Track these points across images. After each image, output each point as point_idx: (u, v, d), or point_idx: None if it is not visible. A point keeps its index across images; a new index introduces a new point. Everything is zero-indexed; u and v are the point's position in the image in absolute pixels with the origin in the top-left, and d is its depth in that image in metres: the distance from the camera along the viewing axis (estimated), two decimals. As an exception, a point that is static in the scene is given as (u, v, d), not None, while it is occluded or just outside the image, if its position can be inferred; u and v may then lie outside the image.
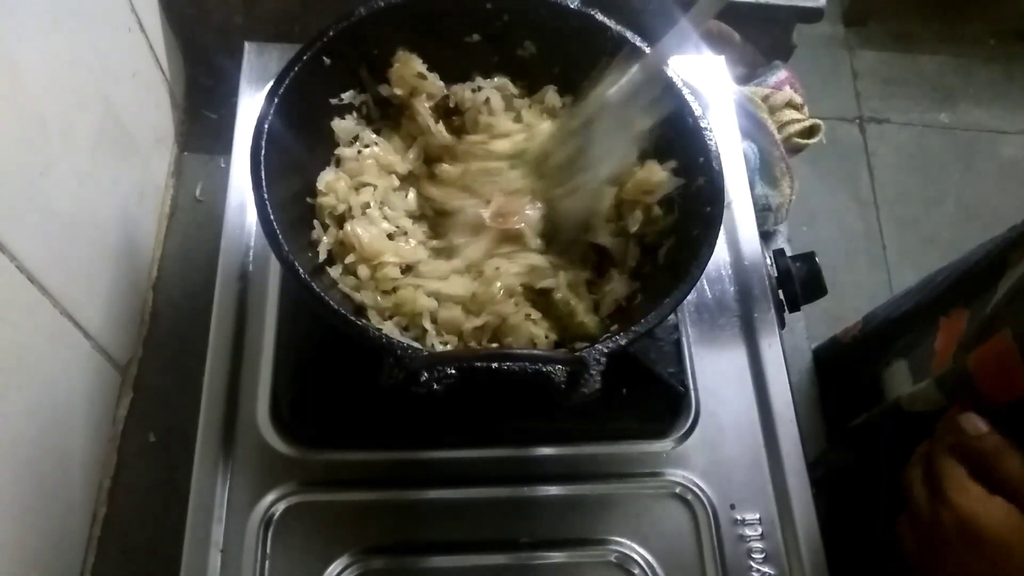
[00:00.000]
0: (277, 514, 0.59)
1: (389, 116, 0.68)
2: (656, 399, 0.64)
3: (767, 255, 0.72)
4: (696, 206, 0.59)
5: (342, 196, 0.61)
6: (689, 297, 0.55)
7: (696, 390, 0.66)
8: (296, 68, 0.59)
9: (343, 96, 0.64)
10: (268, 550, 0.58)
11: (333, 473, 0.61)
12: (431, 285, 0.58)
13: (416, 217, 0.65)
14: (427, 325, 0.57)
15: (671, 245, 0.61)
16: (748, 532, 0.61)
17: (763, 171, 0.85)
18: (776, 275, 0.72)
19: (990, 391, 0.55)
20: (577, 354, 0.50)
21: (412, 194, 0.66)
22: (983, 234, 0.73)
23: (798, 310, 0.73)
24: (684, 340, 0.67)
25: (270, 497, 0.59)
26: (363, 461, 0.61)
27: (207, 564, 0.56)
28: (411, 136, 0.67)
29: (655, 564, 0.59)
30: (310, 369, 0.62)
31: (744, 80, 0.89)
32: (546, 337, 0.57)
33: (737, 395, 0.66)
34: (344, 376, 0.60)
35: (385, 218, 0.63)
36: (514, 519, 0.61)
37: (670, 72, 0.62)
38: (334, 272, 0.59)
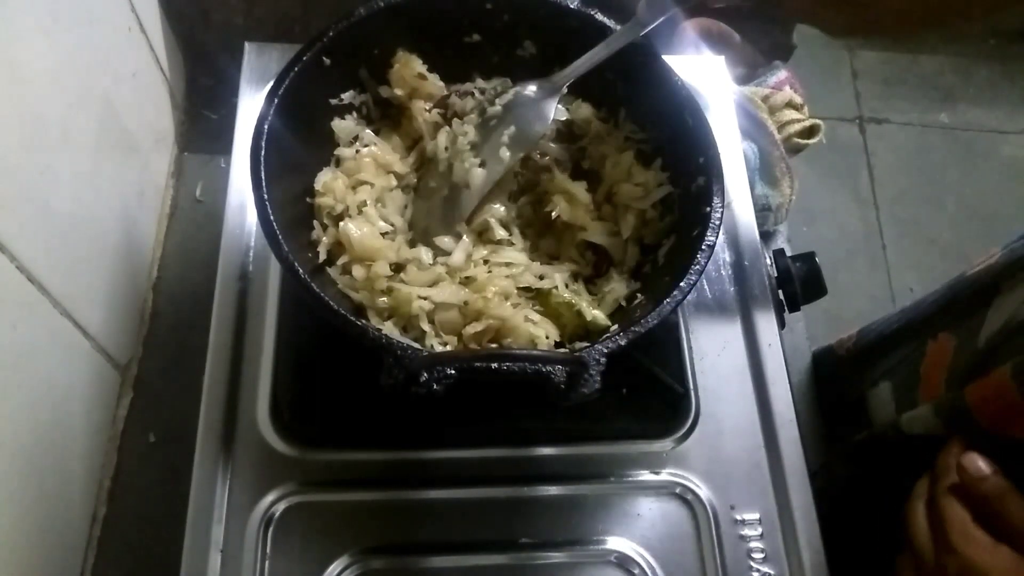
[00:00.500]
0: (277, 514, 0.59)
1: (389, 116, 0.68)
2: (656, 399, 0.64)
3: (767, 255, 0.72)
4: (696, 206, 0.59)
5: (340, 196, 0.61)
6: (689, 297, 0.55)
7: (696, 390, 0.66)
8: (296, 68, 0.59)
9: (343, 96, 0.64)
10: (268, 550, 0.58)
11: (333, 473, 0.61)
12: (422, 291, 0.58)
13: (409, 221, 0.65)
14: (425, 326, 0.57)
15: (671, 245, 0.61)
16: (748, 532, 0.61)
17: (763, 171, 0.85)
18: (776, 275, 0.72)
19: (990, 426, 0.55)
20: (577, 354, 0.50)
21: (410, 195, 0.66)
22: (983, 234, 0.73)
23: (798, 310, 0.73)
24: (684, 340, 0.67)
25: (270, 497, 0.59)
26: (363, 461, 0.61)
27: (207, 564, 0.56)
28: (411, 136, 0.68)
29: (655, 564, 0.59)
30: (310, 369, 0.62)
31: (744, 80, 0.89)
32: (546, 337, 0.57)
33: (737, 395, 0.66)
34: (344, 376, 0.60)
35: (381, 217, 0.63)
36: (514, 519, 0.60)
37: (671, 72, 0.62)
38: (333, 272, 0.59)
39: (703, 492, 0.62)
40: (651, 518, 0.61)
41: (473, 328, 0.57)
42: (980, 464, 0.50)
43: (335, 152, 0.64)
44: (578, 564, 0.60)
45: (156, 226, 0.86)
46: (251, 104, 0.73)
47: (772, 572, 0.60)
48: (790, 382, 0.67)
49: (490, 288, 0.58)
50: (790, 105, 0.87)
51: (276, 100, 0.57)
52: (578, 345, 0.58)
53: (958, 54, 2.06)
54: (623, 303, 0.61)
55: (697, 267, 0.55)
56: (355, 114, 0.65)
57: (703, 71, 0.80)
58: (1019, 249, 0.65)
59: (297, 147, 0.60)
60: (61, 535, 0.66)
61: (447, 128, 0.65)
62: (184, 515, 0.58)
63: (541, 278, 0.61)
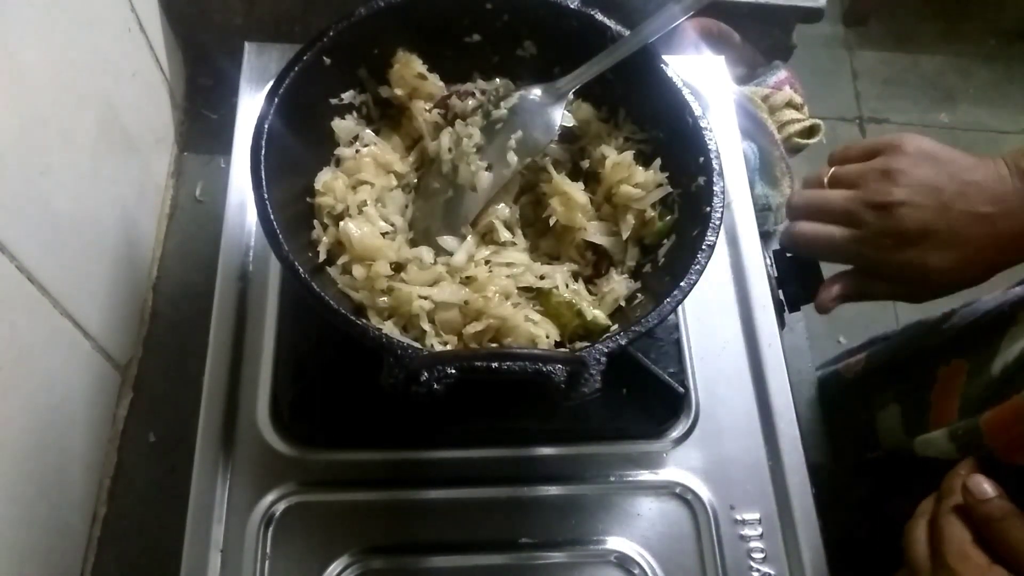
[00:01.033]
0: (277, 514, 0.59)
1: (389, 116, 0.68)
2: (656, 399, 0.64)
3: (767, 255, 0.72)
4: (696, 206, 0.59)
5: (340, 195, 0.61)
6: (689, 297, 0.55)
7: (696, 390, 0.66)
8: (296, 68, 0.59)
9: (343, 96, 0.64)
10: (268, 550, 0.58)
11: (333, 473, 0.61)
12: (422, 290, 0.58)
13: (409, 221, 0.65)
14: (425, 326, 0.57)
15: (671, 245, 0.61)
16: (748, 532, 0.61)
17: (763, 171, 0.85)
18: (776, 275, 0.72)
19: (1003, 453, 0.55)
20: (577, 354, 0.50)
21: (411, 195, 0.66)
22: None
23: (798, 310, 0.73)
24: (684, 340, 0.67)
25: (270, 497, 0.59)
26: (363, 461, 0.61)
27: (207, 564, 0.56)
28: (411, 136, 0.68)
29: (655, 564, 0.59)
30: (310, 369, 0.62)
31: (744, 80, 0.89)
32: (546, 337, 0.57)
33: (737, 395, 0.66)
34: (344, 376, 0.60)
35: (381, 217, 0.63)
36: (514, 519, 0.61)
37: (671, 73, 0.62)
38: (333, 272, 0.59)
39: (703, 492, 0.62)
40: (651, 518, 0.61)
41: (473, 328, 0.57)
42: (985, 486, 0.50)
43: (335, 152, 0.64)
44: (578, 564, 0.60)
45: (156, 226, 0.86)
46: (251, 104, 0.73)
47: (772, 572, 0.60)
48: (790, 382, 0.67)
49: (490, 288, 0.58)
50: (790, 105, 0.87)
51: (276, 100, 0.57)
52: (578, 345, 0.58)
53: (958, 54, 2.06)
54: (623, 303, 0.61)
55: (697, 267, 0.55)
56: (355, 114, 0.65)
57: (703, 71, 0.80)
58: None
59: (297, 147, 0.60)
60: (61, 535, 0.66)
61: (450, 129, 0.65)
62: (184, 515, 0.58)
63: (542, 278, 0.61)
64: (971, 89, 2.01)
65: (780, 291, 0.71)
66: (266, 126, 0.56)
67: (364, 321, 0.55)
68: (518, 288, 0.60)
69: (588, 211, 0.64)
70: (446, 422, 0.62)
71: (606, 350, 0.50)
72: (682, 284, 0.54)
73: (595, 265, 0.64)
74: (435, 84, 0.66)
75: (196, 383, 0.62)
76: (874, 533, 0.70)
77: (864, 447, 0.79)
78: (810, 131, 0.87)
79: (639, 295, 0.60)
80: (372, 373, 0.49)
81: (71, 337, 0.67)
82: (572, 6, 0.63)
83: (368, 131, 0.66)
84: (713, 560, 0.60)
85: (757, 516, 0.61)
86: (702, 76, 0.79)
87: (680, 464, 0.63)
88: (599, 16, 0.63)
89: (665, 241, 0.62)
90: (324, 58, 0.60)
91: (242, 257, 0.68)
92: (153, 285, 0.84)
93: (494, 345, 0.57)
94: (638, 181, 0.63)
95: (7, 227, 0.56)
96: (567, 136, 0.67)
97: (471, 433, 0.63)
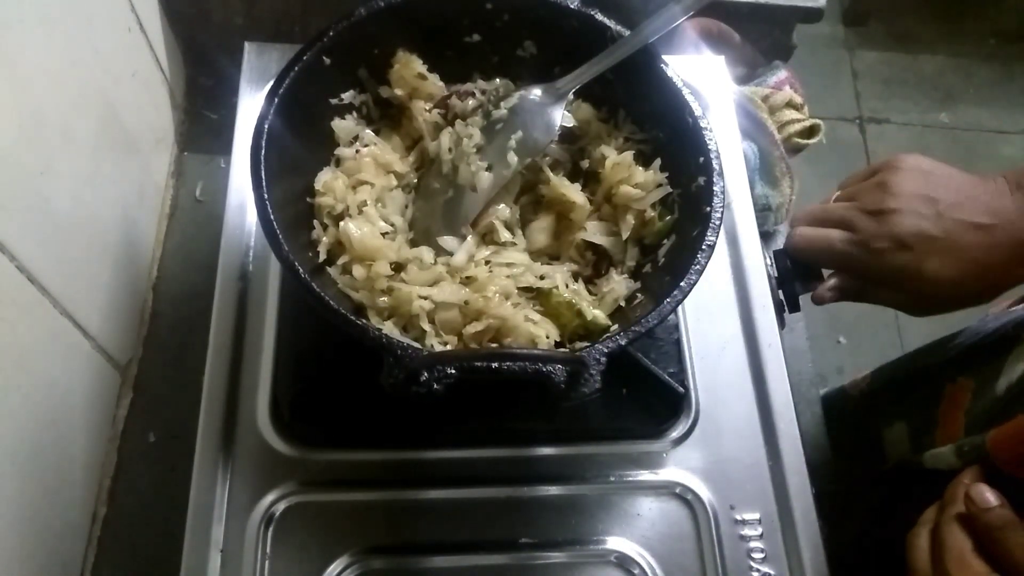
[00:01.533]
0: (277, 514, 0.59)
1: (389, 116, 0.68)
2: (656, 399, 0.64)
3: (767, 255, 0.72)
4: (696, 206, 0.59)
5: (340, 195, 0.61)
6: (689, 297, 0.55)
7: (696, 390, 0.66)
8: (296, 68, 0.59)
9: (343, 96, 0.64)
10: (268, 550, 0.58)
11: (333, 473, 0.61)
12: (422, 290, 0.58)
13: (410, 221, 0.65)
14: (425, 326, 0.57)
15: (671, 245, 0.61)
16: (748, 532, 0.61)
17: (763, 171, 0.85)
18: (776, 275, 0.72)
19: (1008, 468, 0.55)
20: (577, 354, 0.50)
21: (411, 195, 0.66)
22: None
23: (798, 310, 0.73)
24: (684, 340, 0.67)
25: (270, 497, 0.59)
26: (363, 461, 0.61)
27: (207, 564, 0.56)
28: (411, 136, 0.68)
29: (655, 564, 0.59)
30: (310, 369, 0.62)
31: (744, 80, 0.89)
32: (546, 337, 0.57)
33: (737, 395, 0.66)
34: (344, 376, 0.60)
35: (381, 217, 0.63)
36: (514, 519, 0.61)
37: (671, 73, 0.62)
38: (333, 272, 0.59)
39: (703, 492, 0.62)
40: (651, 518, 0.61)
41: (473, 328, 0.57)
42: (987, 495, 0.50)
43: (335, 152, 0.64)
44: (578, 564, 0.60)
45: (156, 226, 0.86)
46: (251, 104, 0.73)
47: (772, 572, 0.60)
48: (789, 382, 0.67)
49: (490, 288, 0.58)
50: (790, 105, 0.87)
51: (276, 100, 0.57)
52: (578, 345, 0.58)
53: (958, 54, 2.06)
54: (623, 303, 0.61)
55: (697, 267, 0.55)
56: (355, 114, 0.66)
57: (703, 71, 0.80)
58: None
59: (297, 147, 0.60)
60: (61, 535, 0.66)
61: (450, 129, 0.65)
62: (184, 515, 0.58)
63: (542, 278, 0.61)
64: (971, 89, 2.01)
65: (780, 291, 0.71)
66: (266, 126, 0.56)
67: (364, 321, 0.55)
68: (518, 288, 0.60)
69: (586, 212, 0.64)
70: (446, 422, 0.62)
71: (606, 350, 0.50)
72: (682, 284, 0.54)
73: (595, 265, 0.64)
74: (435, 84, 0.66)
75: (196, 383, 0.62)
76: (880, 544, 0.70)
77: (870, 463, 0.79)
78: (810, 131, 0.87)
79: (639, 295, 0.60)
80: (372, 373, 0.49)
81: (71, 337, 0.67)
82: (572, 6, 0.63)
83: (368, 131, 0.66)
84: (713, 560, 0.60)
85: (757, 516, 0.61)
86: (702, 76, 0.79)
87: (680, 464, 0.63)
88: (599, 16, 0.63)
89: (665, 241, 0.62)
90: (324, 58, 0.60)
91: (242, 257, 0.68)
92: (153, 285, 0.84)
93: (494, 345, 0.57)
94: (638, 181, 0.63)
95: (7, 227, 0.56)
96: (567, 136, 0.67)
97: (471, 433, 0.63)
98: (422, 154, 0.67)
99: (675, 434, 0.64)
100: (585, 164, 0.66)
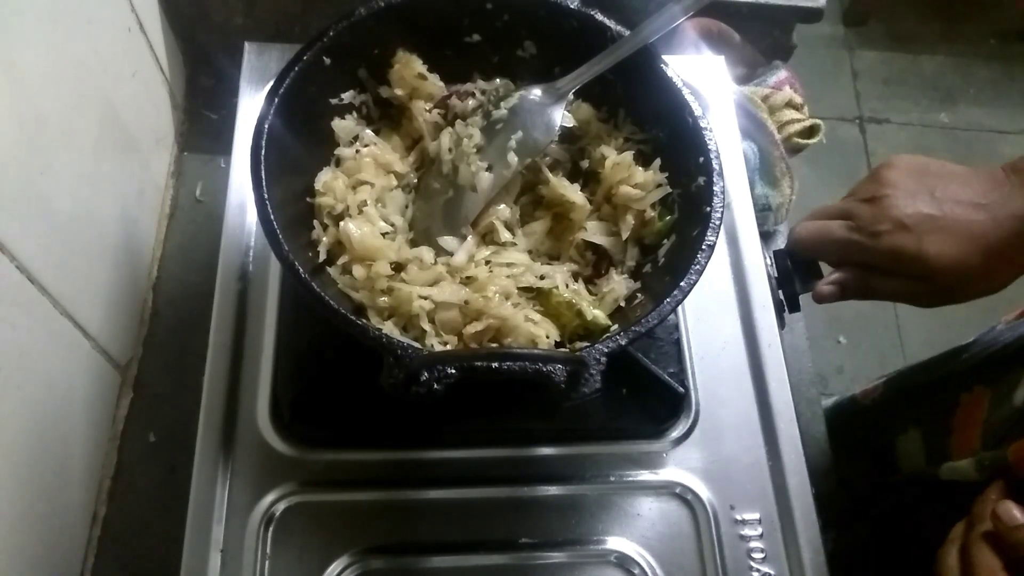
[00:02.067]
0: (277, 514, 0.59)
1: (389, 116, 0.68)
2: (656, 399, 0.64)
3: (767, 255, 0.72)
4: (696, 206, 0.59)
5: (340, 195, 0.61)
6: (689, 297, 0.55)
7: (696, 390, 0.66)
8: (296, 68, 0.59)
9: (343, 96, 0.64)
10: (268, 550, 0.58)
11: (333, 473, 0.61)
12: (422, 290, 0.58)
13: (410, 221, 0.65)
14: (425, 326, 0.57)
15: (671, 245, 0.61)
16: (748, 532, 0.61)
17: (763, 171, 0.85)
18: (776, 275, 0.72)
19: None
20: (577, 354, 0.50)
21: (411, 195, 0.66)
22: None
23: (798, 310, 0.73)
24: (684, 340, 0.67)
25: (270, 497, 0.59)
26: (363, 461, 0.61)
27: (207, 564, 0.56)
28: (411, 136, 0.68)
29: (655, 564, 0.59)
30: (310, 369, 0.62)
31: (744, 80, 0.89)
32: (546, 337, 0.57)
33: (737, 395, 0.66)
34: (344, 376, 0.60)
35: (381, 217, 0.63)
36: (514, 519, 0.61)
37: (671, 73, 0.62)
38: (333, 272, 0.59)
39: (703, 492, 0.62)
40: (651, 518, 0.61)
41: (473, 328, 0.57)
42: (1015, 512, 0.50)
43: (335, 152, 0.64)
44: (578, 564, 0.60)
45: (156, 226, 0.86)
46: (251, 104, 0.73)
47: (772, 572, 0.60)
48: (790, 382, 0.67)
49: (491, 288, 0.58)
50: (790, 105, 0.87)
51: (276, 100, 0.57)
52: (578, 345, 0.58)
53: (958, 54, 2.06)
54: (623, 303, 0.61)
55: (697, 267, 0.55)
56: (355, 114, 0.66)
57: (703, 71, 0.80)
58: None
59: (297, 147, 0.60)
60: (61, 535, 0.66)
61: (450, 129, 0.65)
62: (184, 515, 0.58)
63: (542, 278, 0.61)
64: (971, 89, 2.01)
65: (780, 291, 0.71)
66: (266, 126, 0.56)
67: (364, 321, 0.55)
68: (518, 288, 0.60)
69: (586, 212, 0.64)
70: (446, 422, 0.62)
71: (606, 350, 0.50)
72: (682, 284, 0.54)
73: (595, 265, 0.64)
74: (435, 84, 0.66)
75: (196, 383, 0.62)
76: (887, 553, 0.70)
77: (880, 472, 0.79)
78: (810, 131, 0.87)
79: (639, 295, 0.60)
80: (372, 373, 0.49)
81: (71, 337, 0.67)
82: (572, 6, 0.63)
83: (368, 131, 0.66)
84: (713, 560, 0.60)
85: (757, 516, 0.61)
86: (702, 76, 0.79)
87: (680, 464, 0.63)
88: (599, 16, 0.63)
89: (665, 241, 0.62)
90: (324, 58, 0.60)
91: (242, 257, 0.68)
92: (153, 285, 0.84)
93: (494, 345, 0.57)
94: (638, 181, 0.63)
95: (7, 227, 0.56)
96: (567, 136, 0.67)
97: (471, 433, 0.63)
98: (422, 154, 0.67)
99: (675, 434, 0.64)
100: (585, 164, 0.66)
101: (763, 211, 0.85)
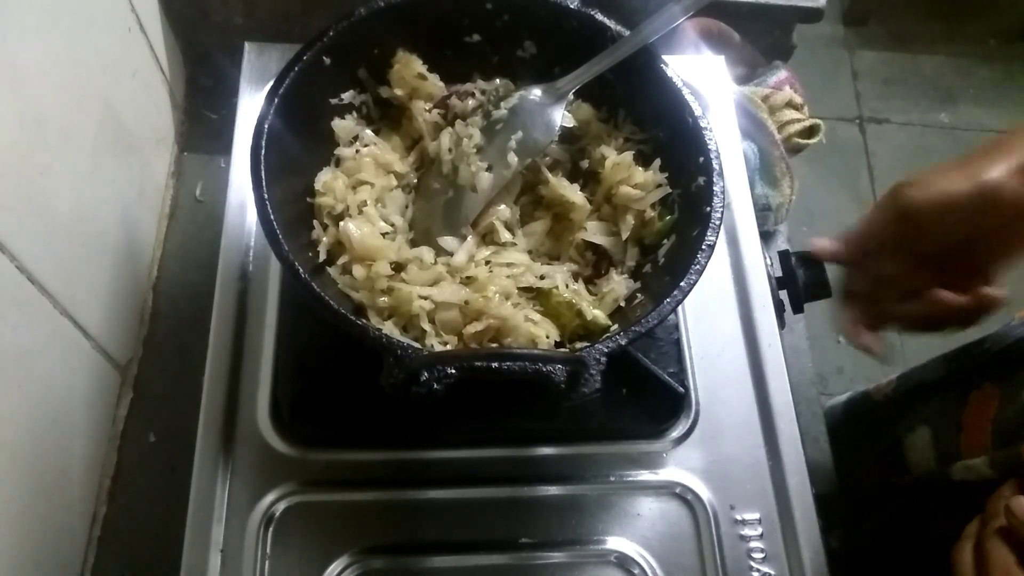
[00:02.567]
0: (277, 514, 0.59)
1: (389, 116, 0.68)
2: (656, 399, 0.64)
3: (767, 255, 0.72)
4: (696, 206, 0.59)
5: (340, 195, 0.61)
6: (689, 297, 0.55)
7: (696, 390, 0.66)
8: (296, 68, 0.59)
9: (343, 96, 0.64)
10: (268, 550, 0.58)
11: (333, 473, 0.61)
12: (422, 290, 0.58)
13: (410, 221, 0.65)
14: (425, 326, 0.57)
15: (671, 245, 0.61)
16: (748, 532, 0.61)
17: (763, 171, 0.85)
18: (779, 276, 0.71)
19: None
20: (577, 354, 0.50)
21: (411, 195, 0.66)
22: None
23: (802, 311, 0.73)
24: (684, 340, 0.67)
25: (270, 497, 0.59)
26: (363, 461, 0.61)
27: (207, 564, 0.56)
28: (411, 136, 0.68)
29: (655, 564, 0.59)
30: (310, 369, 0.62)
31: (744, 80, 0.89)
32: (546, 337, 0.57)
33: (737, 395, 0.66)
34: (344, 376, 0.60)
35: (381, 217, 0.63)
36: (514, 519, 0.61)
37: (671, 73, 0.62)
38: (333, 272, 0.59)
39: (703, 492, 0.62)
40: (651, 518, 0.61)
41: (473, 328, 0.57)
42: None
43: (335, 152, 0.64)
44: (578, 564, 0.60)
45: (156, 226, 0.87)
46: (251, 104, 0.73)
47: (772, 572, 0.60)
48: (790, 382, 0.67)
49: (491, 288, 0.58)
50: (790, 105, 0.87)
51: (276, 100, 0.57)
52: (578, 345, 0.58)
53: (958, 54, 2.06)
54: (623, 303, 0.61)
55: (697, 267, 0.55)
56: (355, 114, 0.65)
57: (703, 71, 0.80)
58: None
59: (297, 147, 0.60)
60: (61, 535, 0.66)
61: (450, 129, 0.65)
62: (184, 515, 0.58)
63: (542, 278, 0.61)
64: (971, 89, 2.00)
65: (784, 292, 0.71)
66: (266, 126, 0.56)
67: (364, 321, 0.55)
68: (518, 288, 0.60)
69: (586, 212, 0.64)
70: (446, 422, 0.62)
71: (606, 350, 0.50)
72: (682, 284, 0.54)
73: (595, 265, 0.64)
74: (435, 84, 0.66)
75: (196, 383, 0.62)
76: (895, 554, 0.70)
77: (890, 469, 0.79)
78: (810, 131, 0.87)
79: (639, 295, 0.60)
80: (372, 373, 0.49)
81: (71, 337, 0.67)
82: (572, 6, 0.63)
83: (368, 131, 0.66)
84: (713, 560, 0.60)
85: (757, 516, 0.61)
86: (702, 76, 0.79)
87: (680, 464, 0.63)
88: (599, 16, 0.63)
89: (665, 241, 0.62)
90: (324, 58, 0.60)
91: (242, 257, 0.68)
92: (153, 285, 0.84)
93: (494, 345, 0.57)
94: (638, 181, 0.63)
95: (7, 227, 0.56)
96: (567, 136, 0.67)
97: (471, 433, 0.63)
98: (422, 154, 0.67)
99: (675, 434, 0.64)
100: (585, 164, 0.66)
101: (763, 211, 0.85)
